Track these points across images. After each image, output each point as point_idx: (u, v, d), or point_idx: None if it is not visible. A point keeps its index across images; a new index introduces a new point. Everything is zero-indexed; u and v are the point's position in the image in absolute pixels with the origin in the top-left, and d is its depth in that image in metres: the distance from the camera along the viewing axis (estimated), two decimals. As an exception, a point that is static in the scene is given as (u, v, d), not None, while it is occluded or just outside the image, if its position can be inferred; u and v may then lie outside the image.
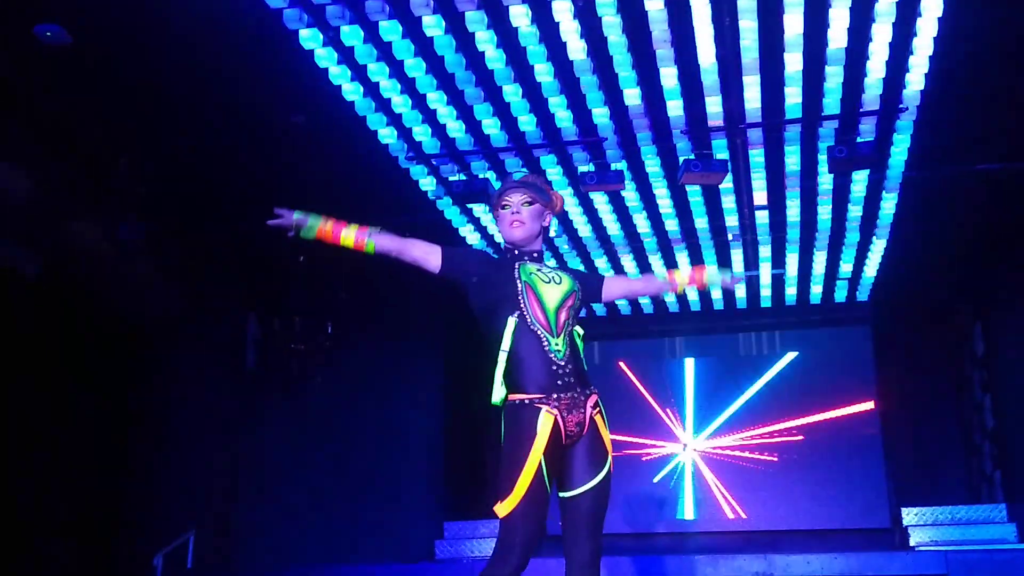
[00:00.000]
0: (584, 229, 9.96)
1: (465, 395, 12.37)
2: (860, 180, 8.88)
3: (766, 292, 11.77)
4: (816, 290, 11.69)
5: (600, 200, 9.32)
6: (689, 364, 12.58)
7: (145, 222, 8.84)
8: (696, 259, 10.69)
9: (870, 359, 12.10)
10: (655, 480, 12.10)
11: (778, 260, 10.77)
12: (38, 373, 9.82)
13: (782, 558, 8.92)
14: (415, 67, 7.17)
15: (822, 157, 8.35)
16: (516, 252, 3.77)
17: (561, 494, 3.50)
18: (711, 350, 12.64)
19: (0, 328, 9.36)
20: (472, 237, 10.12)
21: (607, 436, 3.55)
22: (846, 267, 10.97)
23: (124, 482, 10.20)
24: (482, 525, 11.29)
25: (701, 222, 9.77)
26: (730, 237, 10.08)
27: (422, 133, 8.10)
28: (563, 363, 3.53)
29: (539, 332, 3.55)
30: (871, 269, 11.00)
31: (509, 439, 3.47)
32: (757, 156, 8.43)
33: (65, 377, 10.00)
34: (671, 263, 10.81)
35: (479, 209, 9.44)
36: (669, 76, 7.25)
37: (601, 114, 7.77)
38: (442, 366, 12.05)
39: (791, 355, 12.31)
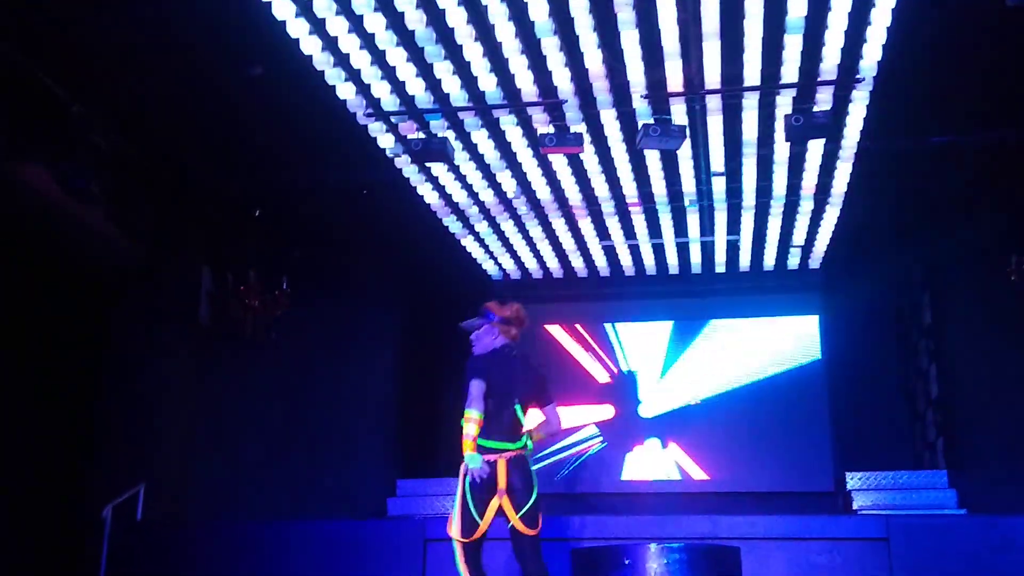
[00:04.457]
0: (543, 191, 9.96)
1: (421, 354, 12.41)
2: (815, 149, 8.96)
3: (720, 257, 11.88)
4: (769, 257, 11.81)
5: (559, 162, 9.32)
6: (641, 328, 12.69)
7: (99, 172, 8.70)
8: (653, 223, 10.76)
9: (819, 326, 12.29)
10: (602, 442, 12.24)
11: (733, 226, 10.86)
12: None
13: (727, 519, 9.07)
14: (375, 22, 7.09)
15: (777, 125, 8.41)
16: None
17: None
18: (665, 314, 12.75)
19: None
20: (431, 196, 10.09)
21: (501, 483, 5.47)
22: (799, 234, 11.09)
23: (74, 434, 10.11)
24: (434, 484, 11.36)
25: (659, 187, 9.81)
26: (687, 202, 10.15)
27: (381, 89, 8.02)
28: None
29: None
30: (823, 237, 11.13)
31: None
32: (715, 123, 8.47)
33: (14, 328, 9.87)
34: (628, 227, 10.87)
35: (437, 168, 9.40)
36: (630, 40, 7.25)
37: (561, 76, 7.75)
38: (398, 325, 12.07)
39: (744, 320, 12.46)
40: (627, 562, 8.24)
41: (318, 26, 7.14)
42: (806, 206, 10.24)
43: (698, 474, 11.96)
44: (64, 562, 9.46)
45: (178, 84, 8.08)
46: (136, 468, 9.74)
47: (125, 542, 9.18)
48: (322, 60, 7.56)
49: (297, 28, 7.15)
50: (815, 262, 11.94)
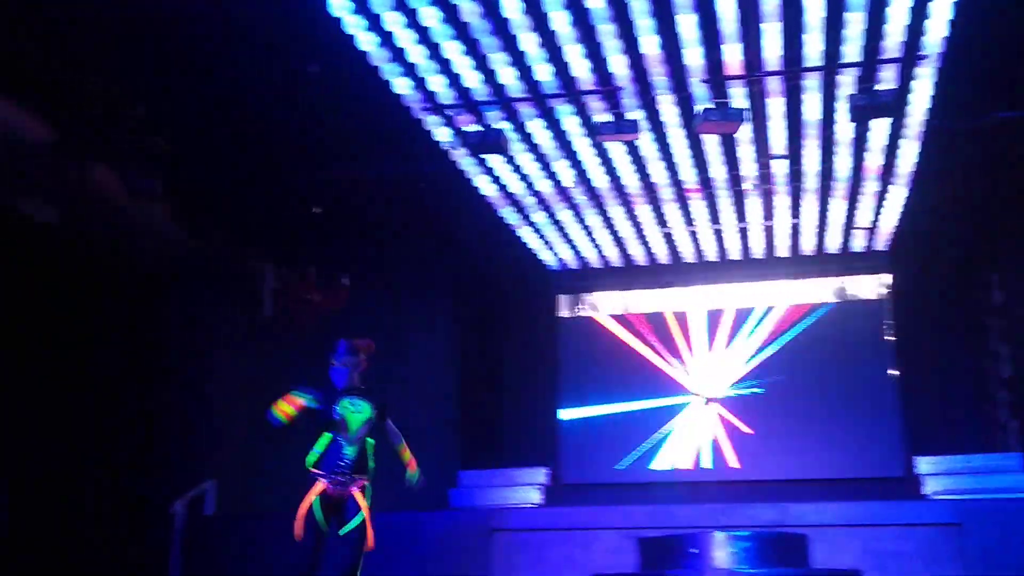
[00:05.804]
0: (601, 180, 9.90)
1: (480, 345, 12.43)
2: (879, 129, 8.79)
3: (783, 241, 11.71)
4: (834, 240, 11.62)
5: (617, 150, 9.25)
6: (705, 315, 12.56)
7: (162, 171, 8.83)
8: (712, 209, 10.64)
9: (887, 309, 12.06)
10: (668, 430, 12.15)
11: (795, 209, 10.70)
12: (57, 322, 9.87)
13: (796, 507, 8.97)
14: (430, 15, 7.09)
15: (840, 105, 8.27)
16: (344, 390, 6.19)
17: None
18: (728, 300, 12.59)
19: (18, 276, 9.41)
20: (487, 188, 10.07)
21: (363, 505, 6.02)
22: (864, 216, 10.90)
23: (144, 431, 10.29)
24: (496, 475, 11.39)
25: (718, 171, 9.70)
26: (747, 187, 10.02)
27: (437, 83, 8.03)
28: (347, 462, 6.03)
29: (341, 440, 6.08)
30: (890, 218, 10.92)
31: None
32: (776, 104, 8.34)
33: (84, 325, 10.06)
34: (687, 213, 10.76)
35: (494, 159, 9.38)
36: (688, 23, 7.16)
37: (618, 63, 7.68)
38: (459, 316, 12.08)
39: (808, 305, 12.27)
40: (694, 551, 8.23)
41: (374, 21, 7.16)
42: (870, 187, 10.05)
43: (764, 461, 11.80)
44: (137, 557, 9.64)
45: (237, 83, 8.15)
46: (206, 463, 9.90)
47: (196, 536, 9.34)
48: (378, 55, 7.59)
49: (353, 24, 7.17)
50: (881, 243, 11.72)
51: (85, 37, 7.53)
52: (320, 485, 6.05)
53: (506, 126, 8.64)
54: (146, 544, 9.58)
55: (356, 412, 6.17)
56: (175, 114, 8.74)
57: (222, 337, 10.67)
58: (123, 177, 8.50)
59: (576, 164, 9.57)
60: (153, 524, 9.52)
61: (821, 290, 12.30)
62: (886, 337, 11.97)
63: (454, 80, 8.00)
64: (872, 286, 12.23)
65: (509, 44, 7.47)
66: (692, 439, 12.12)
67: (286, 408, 6.11)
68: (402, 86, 8.06)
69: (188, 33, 7.47)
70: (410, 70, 7.83)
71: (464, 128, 8.64)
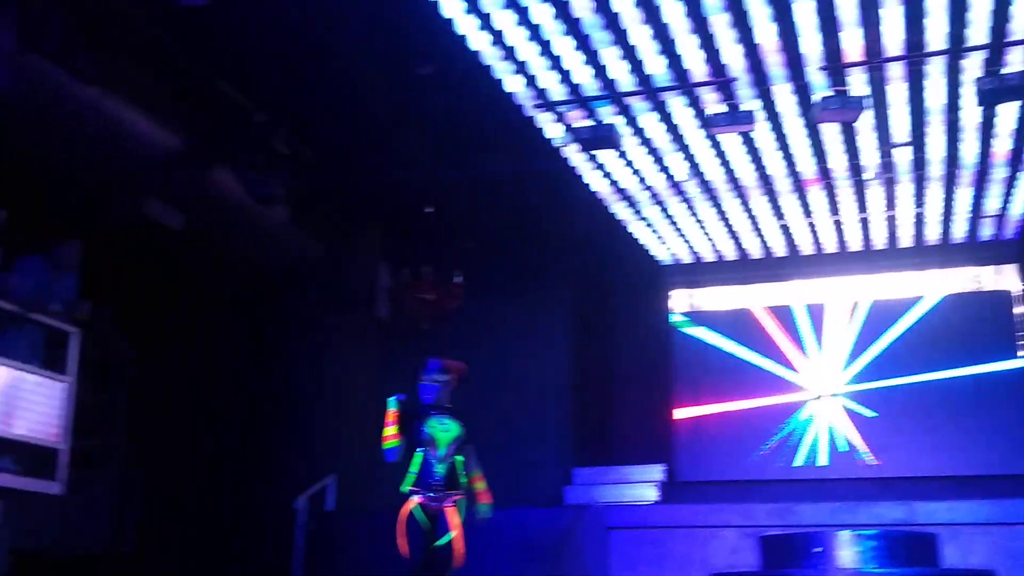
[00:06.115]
0: (715, 172, 9.75)
1: (595, 342, 12.39)
2: (1007, 113, 8.45)
3: (907, 232, 11.35)
4: (960, 228, 11.21)
5: (732, 142, 9.10)
6: (827, 309, 12.24)
7: (281, 175, 9.04)
8: (832, 200, 10.39)
9: (1017, 299, 11.57)
10: (788, 427, 11.89)
11: (919, 198, 10.37)
12: (181, 323, 10.21)
13: (923, 505, 8.69)
14: (541, 12, 7.10)
15: (964, 90, 8.00)
16: (431, 408, 6.36)
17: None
18: (851, 293, 12.24)
19: (147, 279, 9.77)
20: (599, 183, 10.04)
21: (453, 521, 6.08)
22: (992, 204, 10.49)
23: (267, 429, 10.55)
24: (610, 471, 11.33)
25: (838, 161, 9.46)
26: (869, 176, 9.75)
27: (549, 80, 8.04)
28: (439, 479, 6.14)
29: (431, 459, 6.19)
30: (1019, 205, 10.50)
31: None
32: (898, 91, 8.09)
33: (208, 326, 10.38)
34: (805, 204, 10.53)
35: (605, 154, 9.34)
36: (805, 10, 7.00)
37: (733, 53, 7.56)
38: (572, 313, 12.06)
39: (934, 297, 11.85)
40: (818, 549, 8.04)
41: (485, 21, 7.21)
42: (998, 173, 9.68)
43: (889, 457, 11.45)
44: (262, 552, 9.89)
45: (352, 87, 8.30)
46: (327, 460, 10.10)
47: (318, 531, 9.54)
48: (490, 54, 7.64)
49: (465, 24, 7.23)
50: (1010, 231, 11.26)
51: (209, 44, 7.78)
52: (415, 500, 6.15)
53: (618, 121, 8.59)
54: (270, 539, 9.84)
55: (444, 431, 6.27)
56: (294, 118, 8.95)
57: (341, 336, 10.87)
58: (245, 181, 8.73)
59: (689, 157, 9.46)
60: (277, 520, 9.75)
61: (947, 280, 11.86)
62: (1015, 327, 11.47)
63: (565, 76, 8.00)
64: (1001, 276, 11.75)
65: (620, 38, 7.43)
66: (813, 436, 11.84)
67: (389, 431, 6.19)
68: (514, 84, 8.10)
69: (306, 41, 7.64)
70: (521, 68, 7.87)
71: (576, 124, 8.62)
